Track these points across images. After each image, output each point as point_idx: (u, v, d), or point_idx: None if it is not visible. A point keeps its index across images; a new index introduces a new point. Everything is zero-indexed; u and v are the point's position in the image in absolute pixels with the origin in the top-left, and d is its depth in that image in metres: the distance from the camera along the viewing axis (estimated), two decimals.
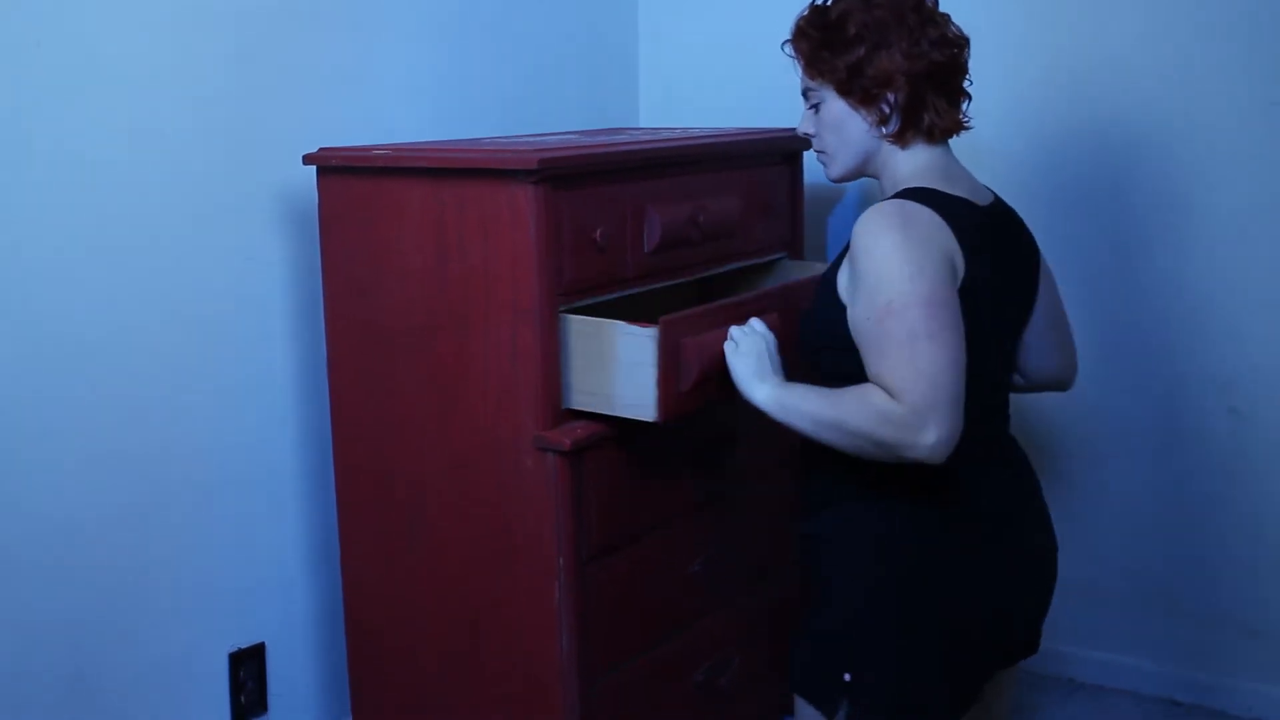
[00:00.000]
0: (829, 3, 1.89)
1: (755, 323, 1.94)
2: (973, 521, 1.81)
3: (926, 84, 1.83)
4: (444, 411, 2.12)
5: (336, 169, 2.18)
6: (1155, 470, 2.74)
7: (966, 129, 1.89)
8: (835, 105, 1.88)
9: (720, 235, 2.37)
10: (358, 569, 2.30)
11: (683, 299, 2.47)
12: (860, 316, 1.72)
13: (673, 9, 3.21)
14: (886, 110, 1.84)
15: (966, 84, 1.89)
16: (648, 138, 2.41)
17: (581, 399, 2.05)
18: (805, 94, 1.93)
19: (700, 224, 2.31)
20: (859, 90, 1.84)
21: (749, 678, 2.51)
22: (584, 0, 3.06)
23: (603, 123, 3.12)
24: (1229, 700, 2.75)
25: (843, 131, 1.88)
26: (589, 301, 2.09)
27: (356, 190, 2.16)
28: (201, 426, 2.29)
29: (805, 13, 1.91)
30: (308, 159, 2.20)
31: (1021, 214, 1.93)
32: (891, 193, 1.84)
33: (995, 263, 1.82)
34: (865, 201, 2.93)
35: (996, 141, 2.71)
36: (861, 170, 1.92)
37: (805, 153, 2.56)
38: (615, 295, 2.16)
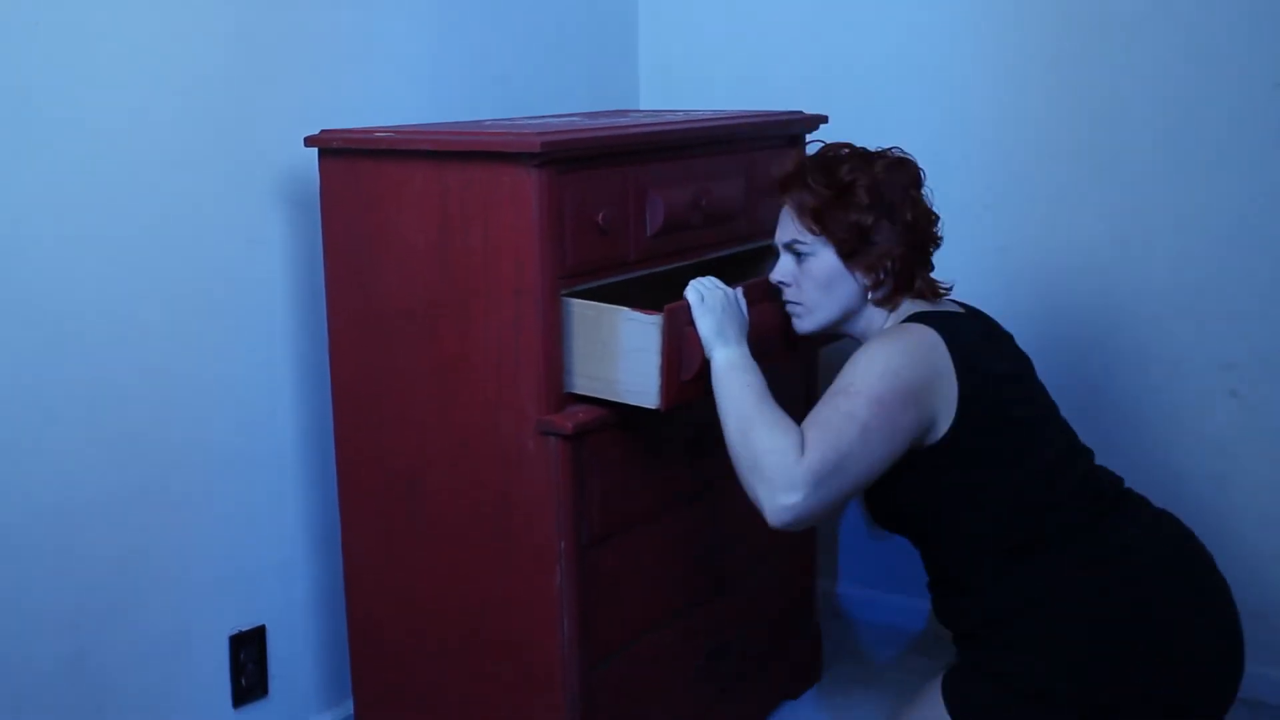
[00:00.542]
0: (837, 162, 1.97)
1: (711, 280, 2.03)
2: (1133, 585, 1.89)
3: (916, 255, 1.96)
4: (445, 394, 2.12)
5: (338, 151, 2.17)
6: (1156, 452, 2.73)
7: (947, 291, 2.01)
8: (829, 262, 1.97)
9: (723, 218, 2.36)
10: (358, 551, 2.29)
11: (685, 282, 2.46)
12: (833, 384, 1.84)
13: None
14: (883, 276, 1.95)
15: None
16: (650, 120, 2.40)
17: (583, 383, 2.05)
18: (791, 244, 2.00)
19: (703, 207, 2.30)
20: (861, 255, 1.94)
21: (751, 663, 2.51)
22: None
23: (603, 104, 3.11)
24: None
25: (832, 289, 1.98)
26: (591, 285, 2.08)
27: (358, 172, 2.15)
28: (203, 409, 2.28)
29: (809, 166, 1.99)
30: (309, 141, 2.19)
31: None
32: (873, 339, 1.94)
33: (1002, 354, 1.95)
34: None
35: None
36: (835, 327, 2.02)
37: (808, 135, 2.56)
38: (618, 279, 2.15)
